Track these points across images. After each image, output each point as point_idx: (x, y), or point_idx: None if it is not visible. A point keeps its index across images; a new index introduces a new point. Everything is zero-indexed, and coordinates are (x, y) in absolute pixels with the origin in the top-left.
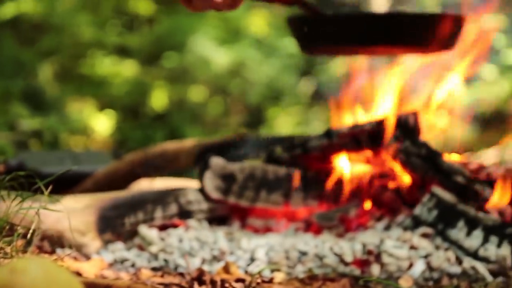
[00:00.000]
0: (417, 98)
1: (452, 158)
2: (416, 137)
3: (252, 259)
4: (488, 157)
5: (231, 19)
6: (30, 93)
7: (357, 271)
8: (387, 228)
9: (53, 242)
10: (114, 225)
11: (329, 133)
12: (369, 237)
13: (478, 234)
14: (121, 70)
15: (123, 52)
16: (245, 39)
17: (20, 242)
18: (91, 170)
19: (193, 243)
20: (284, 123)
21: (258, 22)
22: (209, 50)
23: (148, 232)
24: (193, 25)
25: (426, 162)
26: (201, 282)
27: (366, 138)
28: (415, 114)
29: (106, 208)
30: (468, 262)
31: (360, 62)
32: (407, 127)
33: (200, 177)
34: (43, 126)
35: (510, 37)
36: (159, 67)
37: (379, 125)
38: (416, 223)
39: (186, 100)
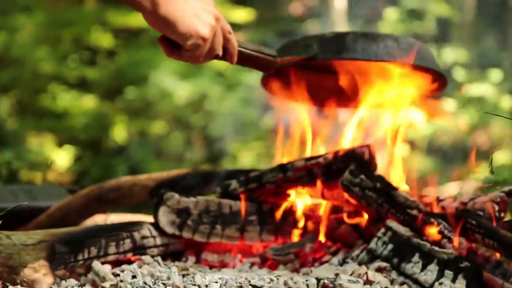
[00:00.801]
0: (375, 131)
1: (407, 191)
2: (371, 171)
3: None
4: (449, 190)
5: None
6: None
7: None
8: (343, 262)
9: (5, 279)
10: (67, 261)
11: (283, 167)
12: (324, 272)
13: (433, 268)
14: (81, 104)
15: (83, 86)
16: (207, 72)
17: None
18: (45, 205)
19: (147, 279)
20: (246, 156)
21: None
22: (171, 83)
23: (102, 268)
24: (155, 59)
25: (381, 196)
26: None
27: (321, 171)
28: (370, 148)
29: (59, 244)
30: None
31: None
32: (362, 161)
33: (155, 212)
34: (0, 160)
35: (470, 70)
36: (121, 101)
37: (333, 159)
38: (372, 257)
39: (148, 134)
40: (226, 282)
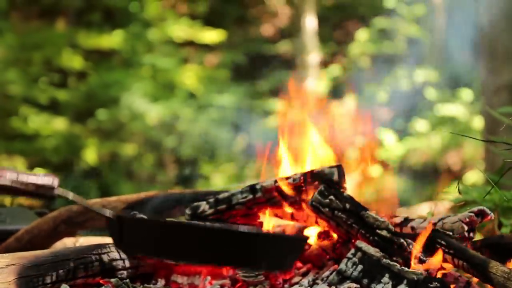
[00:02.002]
0: (347, 151)
1: (377, 211)
2: (341, 191)
3: None
4: (421, 211)
5: (164, 73)
6: None
7: None
8: (313, 283)
9: None
10: (35, 284)
11: (253, 188)
12: None
13: None
14: (52, 126)
15: (54, 108)
16: (178, 93)
17: None
18: (14, 228)
19: None
20: (218, 177)
21: (191, 76)
22: (142, 105)
23: None
24: (126, 81)
25: (351, 216)
26: None
27: (290, 192)
28: (339, 168)
29: (27, 267)
30: None
31: (291, 118)
32: (332, 181)
33: None
34: None
35: (441, 91)
36: (92, 123)
37: (303, 179)
38: (341, 278)
39: (120, 156)
40: None
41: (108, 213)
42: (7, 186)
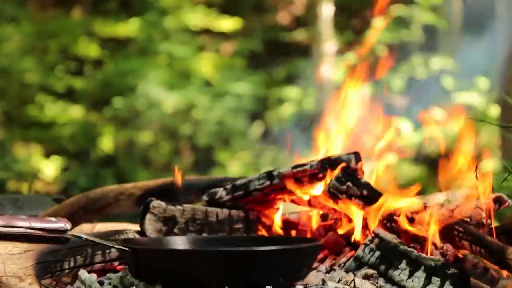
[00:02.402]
0: (365, 140)
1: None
2: (358, 178)
3: None
4: (438, 198)
5: (180, 62)
6: None
7: None
8: (330, 269)
9: None
10: (54, 270)
11: (270, 175)
12: (312, 279)
13: (420, 275)
14: (68, 114)
15: (70, 96)
16: (194, 82)
17: None
18: (31, 214)
19: None
20: (234, 164)
21: (207, 64)
22: (159, 93)
23: (88, 276)
24: (142, 69)
25: (368, 203)
26: None
27: (307, 179)
28: (357, 155)
29: (45, 253)
30: None
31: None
32: (349, 168)
33: (141, 220)
34: None
35: (458, 79)
36: (108, 111)
37: (320, 166)
38: (359, 264)
39: (135, 143)
40: None
41: (123, 246)
42: (20, 233)
